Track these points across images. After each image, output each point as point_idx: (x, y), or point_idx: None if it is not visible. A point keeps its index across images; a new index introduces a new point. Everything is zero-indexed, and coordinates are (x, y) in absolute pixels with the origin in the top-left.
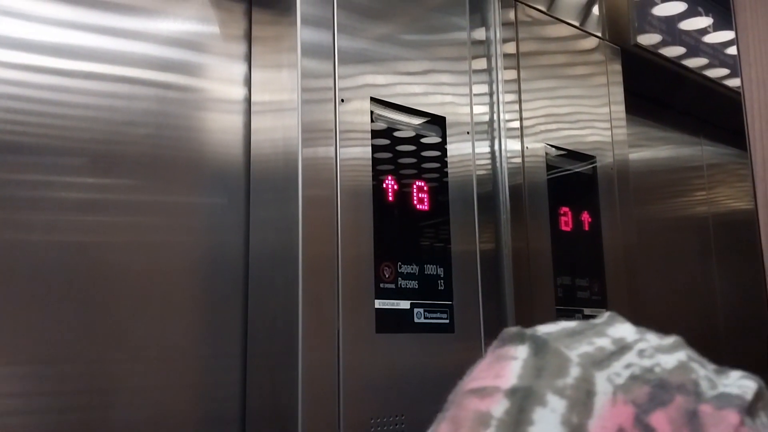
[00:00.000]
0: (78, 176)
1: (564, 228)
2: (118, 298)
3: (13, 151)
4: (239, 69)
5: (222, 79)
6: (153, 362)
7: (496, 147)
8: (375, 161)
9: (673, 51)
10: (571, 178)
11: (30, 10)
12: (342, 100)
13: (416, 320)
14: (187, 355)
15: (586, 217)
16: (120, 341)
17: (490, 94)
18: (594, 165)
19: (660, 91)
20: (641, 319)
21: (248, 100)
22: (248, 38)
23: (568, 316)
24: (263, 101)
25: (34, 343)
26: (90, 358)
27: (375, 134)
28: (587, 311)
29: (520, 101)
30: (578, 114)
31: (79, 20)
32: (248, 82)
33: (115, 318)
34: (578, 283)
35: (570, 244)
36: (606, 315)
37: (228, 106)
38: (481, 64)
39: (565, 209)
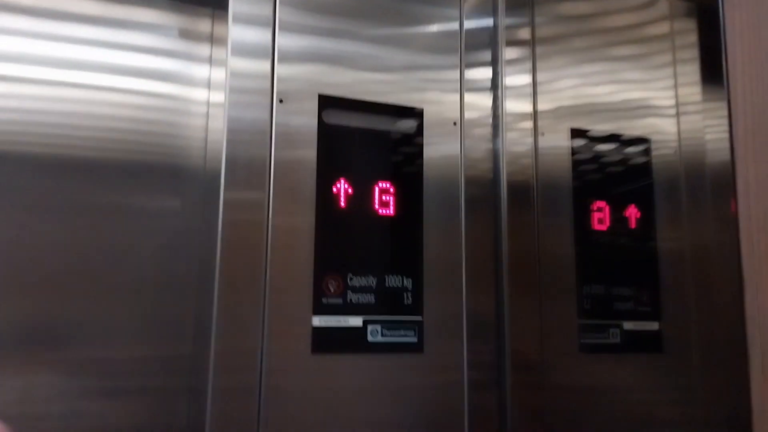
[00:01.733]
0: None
1: (597, 227)
2: (69, 297)
3: None
4: (203, 71)
5: (188, 83)
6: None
7: (498, 140)
8: (322, 163)
9: None
10: (611, 168)
11: None
12: (281, 101)
13: (371, 339)
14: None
15: (632, 212)
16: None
17: (493, 85)
18: (647, 150)
19: None
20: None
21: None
22: (211, 40)
23: (599, 331)
24: (215, 102)
25: None
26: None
27: (325, 134)
28: (629, 325)
29: (534, 86)
30: (624, 93)
31: (41, 30)
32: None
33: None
34: (616, 293)
35: (605, 246)
36: None
37: (193, 108)
38: (481, 53)
39: (600, 204)
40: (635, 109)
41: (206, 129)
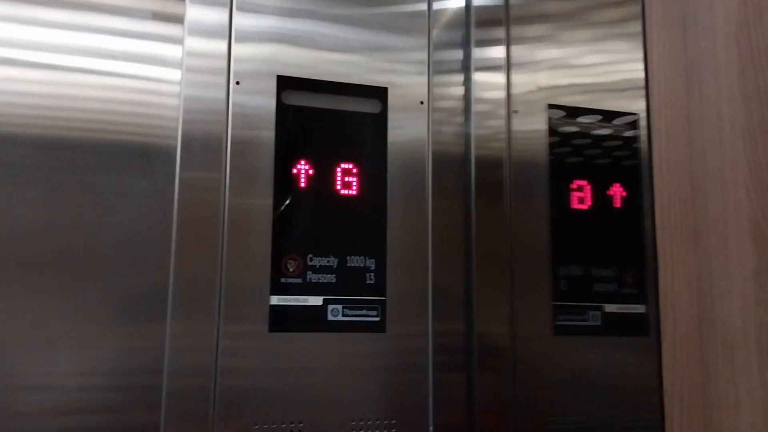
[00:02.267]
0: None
1: (577, 206)
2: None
3: None
4: (176, 52)
5: (161, 63)
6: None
7: (468, 119)
8: (281, 144)
9: None
10: (594, 145)
11: None
12: (237, 82)
13: (331, 318)
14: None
15: (617, 191)
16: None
17: (464, 65)
18: (633, 125)
19: None
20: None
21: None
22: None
23: (576, 313)
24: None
25: None
26: None
27: (284, 115)
28: (611, 308)
29: (508, 63)
30: (608, 66)
31: (24, 15)
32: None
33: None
34: (597, 274)
35: (585, 226)
36: None
37: (165, 88)
38: (452, 32)
39: (580, 183)
40: (620, 82)
41: (179, 109)
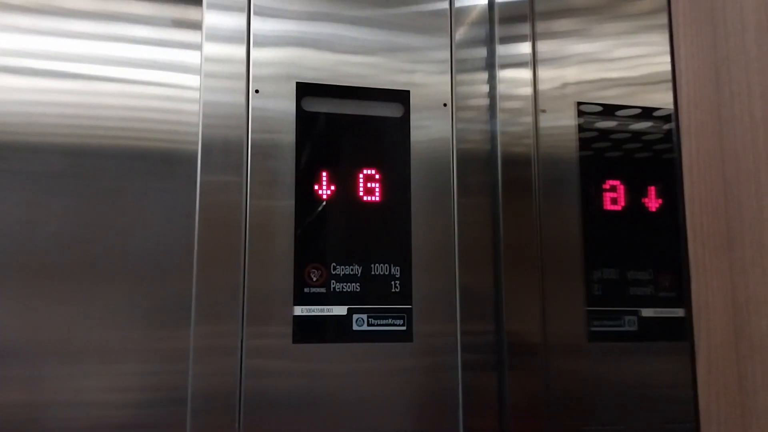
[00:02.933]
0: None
1: (610, 207)
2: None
3: None
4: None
5: (182, 70)
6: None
7: (493, 120)
8: (301, 150)
9: None
10: (627, 144)
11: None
12: (257, 91)
13: (356, 328)
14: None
15: (653, 189)
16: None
17: (488, 63)
18: (669, 119)
19: None
20: None
21: None
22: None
23: (611, 318)
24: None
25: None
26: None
27: (304, 122)
28: (648, 312)
29: (534, 61)
30: (641, 59)
31: (49, 27)
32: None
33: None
34: (632, 277)
35: (620, 227)
36: None
37: (187, 95)
38: (475, 30)
39: (613, 183)
40: (653, 75)
41: (199, 114)
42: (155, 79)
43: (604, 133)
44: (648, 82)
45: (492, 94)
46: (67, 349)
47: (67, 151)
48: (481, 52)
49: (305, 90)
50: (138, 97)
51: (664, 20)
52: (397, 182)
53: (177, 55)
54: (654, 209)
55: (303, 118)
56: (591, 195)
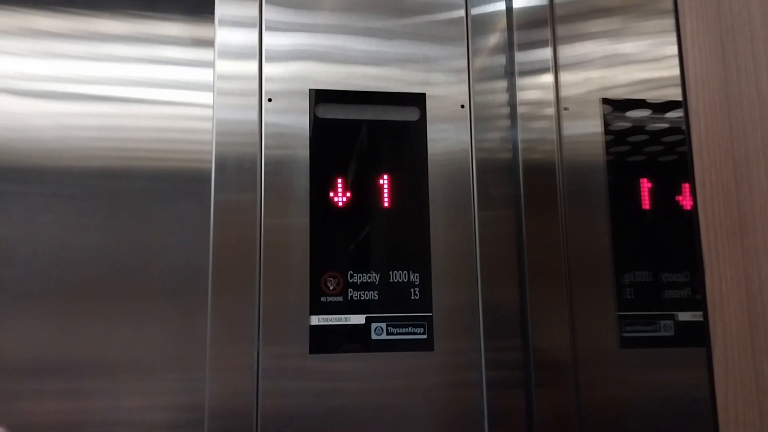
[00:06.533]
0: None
1: (642, 207)
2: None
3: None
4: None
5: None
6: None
7: (514, 120)
8: (316, 158)
9: None
10: (657, 141)
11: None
12: (270, 99)
13: (374, 337)
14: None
15: (686, 188)
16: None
17: (507, 70)
18: None
19: None
20: None
21: None
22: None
23: (645, 323)
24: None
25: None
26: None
27: (318, 129)
28: (685, 316)
29: (554, 57)
30: (668, 51)
31: (76, 51)
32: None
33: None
34: (667, 279)
35: (652, 228)
36: None
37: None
38: (491, 38)
39: (643, 182)
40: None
41: (213, 132)
42: (180, 99)
43: (632, 131)
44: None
45: (512, 102)
46: (99, 364)
47: (96, 174)
48: (500, 59)
49: (319, 97)
50: (161, 117)
51: None
52: (414, 188)
53: (199, 74)
54: (689, 207)
55: (317, 125)
56: (620, 196)
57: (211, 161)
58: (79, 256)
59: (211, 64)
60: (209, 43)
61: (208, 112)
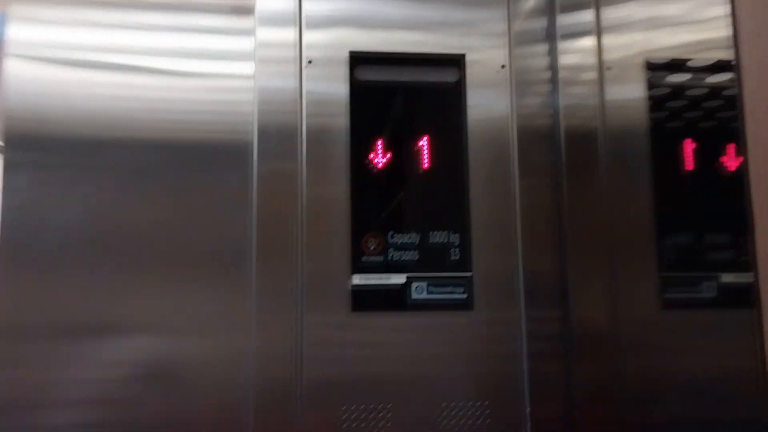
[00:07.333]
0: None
1: (685, 169)
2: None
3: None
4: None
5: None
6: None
7: (556, 82)
8: (356, 121)
9: None
10: (701, 101)
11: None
12: (310, 61)
13: (415, 296)
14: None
15: (731, 149)
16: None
17: (548, 33)
18: None
19: None
20: None
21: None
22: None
23: (687, 284)
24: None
25: None
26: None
27: (358, 91)
28: (728, 277)
29: (599, 28)
30: (716, 9)
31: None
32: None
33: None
34: (710, 241)
35: (695, 189)
36: None
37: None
38: (531, 1)
39: (687, 143)
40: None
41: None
42: (224, 70)
43: (676, 93)
44: (725, 45)
45: (553, 66)
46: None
47: (148, 146)
48: (541, 22)
49: (358, 60)
50: (204, 90)
51: None
52: (452, 149)
53: (238, 42)
54: (734, 168)
55: (356, 87)
56: (663, 158)
57: (250, 132)
58: (131, 225)
59: (249, 32)
60: (249, 11)
61: (247, 83)
